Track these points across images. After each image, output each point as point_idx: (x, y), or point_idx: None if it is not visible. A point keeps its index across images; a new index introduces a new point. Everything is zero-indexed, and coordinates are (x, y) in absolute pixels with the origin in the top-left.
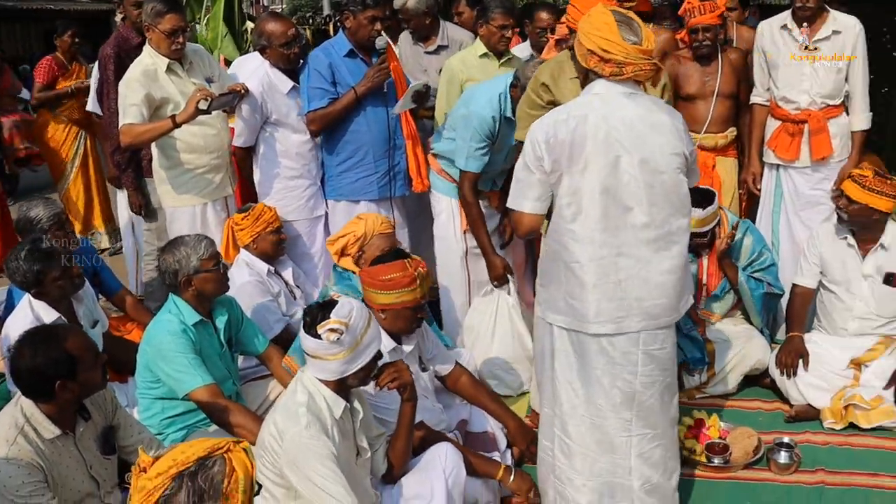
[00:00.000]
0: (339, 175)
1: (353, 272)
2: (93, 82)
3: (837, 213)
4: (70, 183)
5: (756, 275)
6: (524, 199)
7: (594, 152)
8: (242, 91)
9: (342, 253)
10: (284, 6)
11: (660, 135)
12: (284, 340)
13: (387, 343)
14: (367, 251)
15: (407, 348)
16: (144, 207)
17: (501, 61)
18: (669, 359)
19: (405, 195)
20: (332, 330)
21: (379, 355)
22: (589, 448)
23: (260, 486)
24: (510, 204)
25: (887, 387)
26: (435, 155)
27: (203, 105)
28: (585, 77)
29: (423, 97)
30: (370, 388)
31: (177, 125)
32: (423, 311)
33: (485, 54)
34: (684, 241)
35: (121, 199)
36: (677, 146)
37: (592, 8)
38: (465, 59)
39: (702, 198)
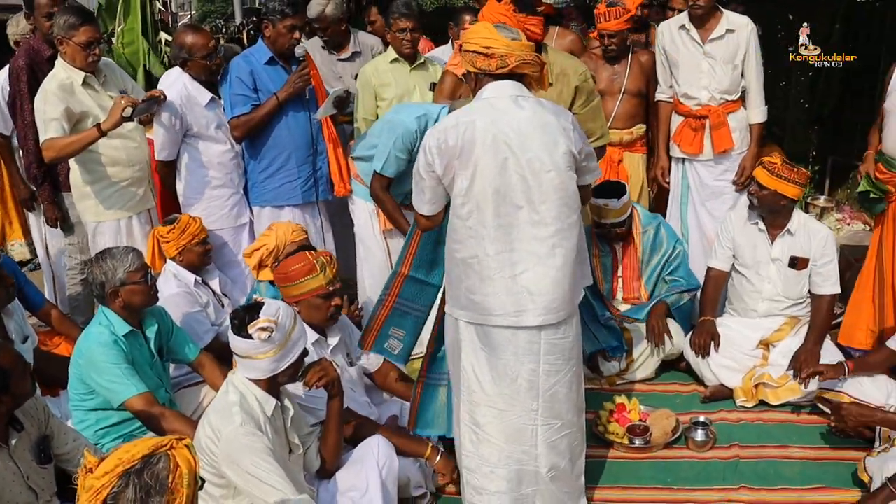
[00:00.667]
0: (263, 181)
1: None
2: None
3: (749, 199)
4: None
5: (673, 275)
6: (422, 202)
7: (483, 155)
8: (161, 97)
9: (260, 265)
10: (194, 13)
11: (547, 134)
12: (214, 349)
13: (311, 336)
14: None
15: (332, 340)
16: (62, 221)
17: (413, 66)
18: (572, 348)
19: (329, 199)
20: (262, 329)
21: (305, 353)
22: (496, 437)
23: (204, 481)
24: (413, 203)
25: (789, 368)
26: (354, 159)
27: (127, 112)
28: (476, 85)
29: (344, 102)
30: (300, 390)
31: (102, 133)
32: (337, 300)
33: (395, 59)
34: (575, 237)
35: (32, 220)
36: (565, 145)
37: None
38: (377, 66)
39: (614, 190)
